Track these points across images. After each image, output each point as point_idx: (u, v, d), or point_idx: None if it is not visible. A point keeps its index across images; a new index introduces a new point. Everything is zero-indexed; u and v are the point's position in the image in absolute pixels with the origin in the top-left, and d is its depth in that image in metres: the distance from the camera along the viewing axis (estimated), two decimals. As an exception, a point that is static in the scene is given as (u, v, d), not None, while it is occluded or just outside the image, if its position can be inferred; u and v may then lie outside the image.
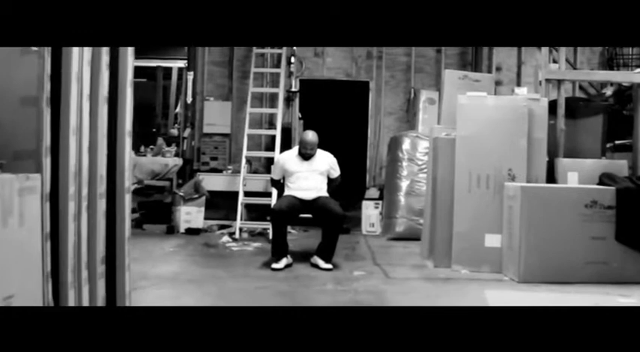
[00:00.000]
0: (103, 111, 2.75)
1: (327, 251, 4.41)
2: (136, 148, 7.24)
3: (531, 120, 4.55)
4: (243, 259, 4.80)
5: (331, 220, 4.40)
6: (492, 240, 4.43)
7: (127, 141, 2.95)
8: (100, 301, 2.83)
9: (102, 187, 2.78)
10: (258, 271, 4.31)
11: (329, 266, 4.36)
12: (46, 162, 2.36)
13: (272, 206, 4.45)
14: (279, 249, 4.38)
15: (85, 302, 2.68)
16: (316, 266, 4.41)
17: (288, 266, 4.40)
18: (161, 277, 4.01)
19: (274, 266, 4.30)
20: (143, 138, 7.92)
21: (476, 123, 4.53)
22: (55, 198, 2.44)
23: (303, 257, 4.69)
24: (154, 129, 8.43)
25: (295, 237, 5.91)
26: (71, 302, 2.53)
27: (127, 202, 2.95)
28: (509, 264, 4.26)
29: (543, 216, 4.11)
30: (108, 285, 2.90)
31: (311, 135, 4.59)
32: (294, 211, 4.48)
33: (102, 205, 2.79)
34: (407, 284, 4.01)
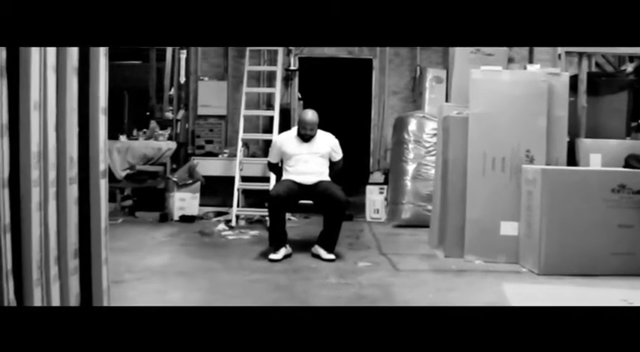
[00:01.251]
0: (72, 84, 2.42)
1: (329, 240, 4.07)
2: (128, 132, 6.91)
3: (551, 96, 4.18)
4: (239, 249, 4.46)
5: (334, 206, 4.05)
6: (509, 228, 4.08)
7: (102, 119, 2.61)
8: (73, 299, 2.52)
9: (72, 171, 2.46)
10: (255, 262, 3.97)
11: (331, 256, 4.02)
12: (3, 143, 2.03)
13: (269, 192, 4.11)
14: (277, 238, 4.04)
15: (56, 302, 2.36)
16: (317, 256, 4.07)
17: (287, 256, 4.06)
18: (149, 269, 3.68)
19: (272, 256, 3.97)
20: (137, 122, 7.59)
21: (491, 100, 4.17)
22: (16, 184, 2.12)
23: (303, 246, 4.35)
24: (148, 113, 8.09)
25: (295, 225, 5.57)
26: (37, 302, 2.22)
27: (103, 188, 2.62)
28: (528, 254, 3.92)
29: (566, 201, 3.76)
30: (82, 282, 2.58)
31: (310, 115, 4.22)
32: (293, 197, 4.14)
33: (73, 191, 2.47)
34: (416, 276, 3.67)
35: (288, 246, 4.10)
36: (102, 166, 2.60)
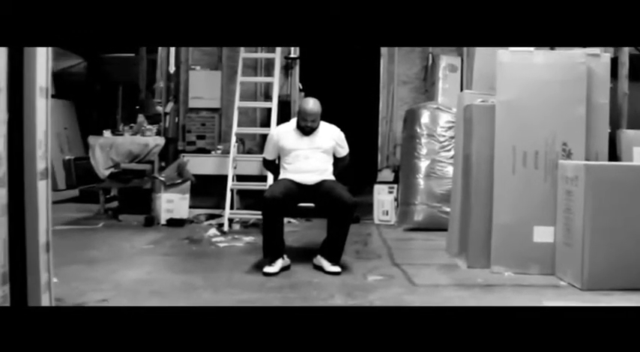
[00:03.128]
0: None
1: (334, 249, 3.49)
2: (113, 127, 6.36)
3: (590, 81, 3.59)
4: (229, 259, 3.88)
5: (339, 210, 3.46)
6: (543, 234, 3.50)
7: (41, 103, 2.05)
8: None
9: (-1, 170, 1.90)
10: (246, 277, 3.39)
11: (336, 269, 3.44)
12: None
13: (264, 193, 3.52)
14: (272, 248, 3.45)
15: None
16: (320, 268, 3.49)
17: (284, 269, 3.48)
18: (119, 287, 3.11)
19: (267, 270, 3.39)
20: (130, 117, 7.06)
21: (521, 85, 3.58)
22: None
23: (304, 255, 3.78)
24: (137, 107, 7.56)
25: (295, 229, 5.00)
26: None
27: (43, 191, 2.06)
28: (567, 264, 3.34)
29: (614, 203, 3.18)
30: (17, 313, 2.02)
31: (312, 104, 3.64)
32: (291, 199, 3.55)
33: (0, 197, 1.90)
34: (438, 293, 3.10)
35: (285, 256, 3.53)
36: (41, 164, 2.04)
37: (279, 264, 3.44)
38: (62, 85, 9.28)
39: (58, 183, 8.25)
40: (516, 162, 3.54)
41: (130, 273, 3.42)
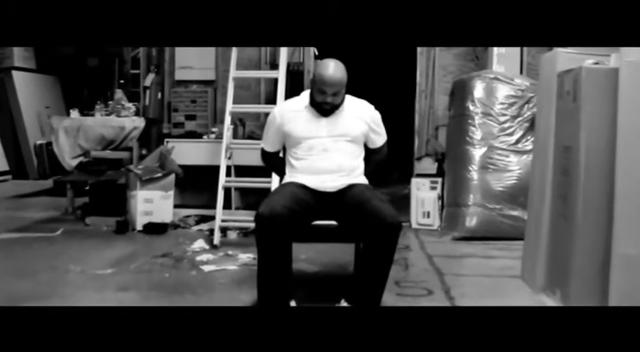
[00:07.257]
0: None
1: (368, 293, 2.27)
2: (84, 107, 5.21)
3: None
4: (213, 299, 2.67)
5: (377, 234, 2.22)
6: (694, 270, 2.25)
7: None
8: None
9: None
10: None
11: (372, 324, 2.22)
12: None
13: (258, 209, 2.28)
14: (272, 293, 2.23)
15: None
16: (347, 321, 2.28)
17: (292, 321, 2.28)
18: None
19: (264, 327, 2.18)
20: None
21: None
22: None
23: (323, 289, 2.59)
24: (122, 81, 6.38)
25: (310, 240, 3.77)
26: None
27: None
28: None
29: None
30: None
31: (333, 69, 2.39)
32: (301, 216, 2.32)
33: None
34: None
35: (294, 302, 2.31)
36: None
37: (283, 316, 2.23)
38: (46, 57, 8.16)
39: (36, 171, 7.16)
40: (653, 157, 2.28)
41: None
